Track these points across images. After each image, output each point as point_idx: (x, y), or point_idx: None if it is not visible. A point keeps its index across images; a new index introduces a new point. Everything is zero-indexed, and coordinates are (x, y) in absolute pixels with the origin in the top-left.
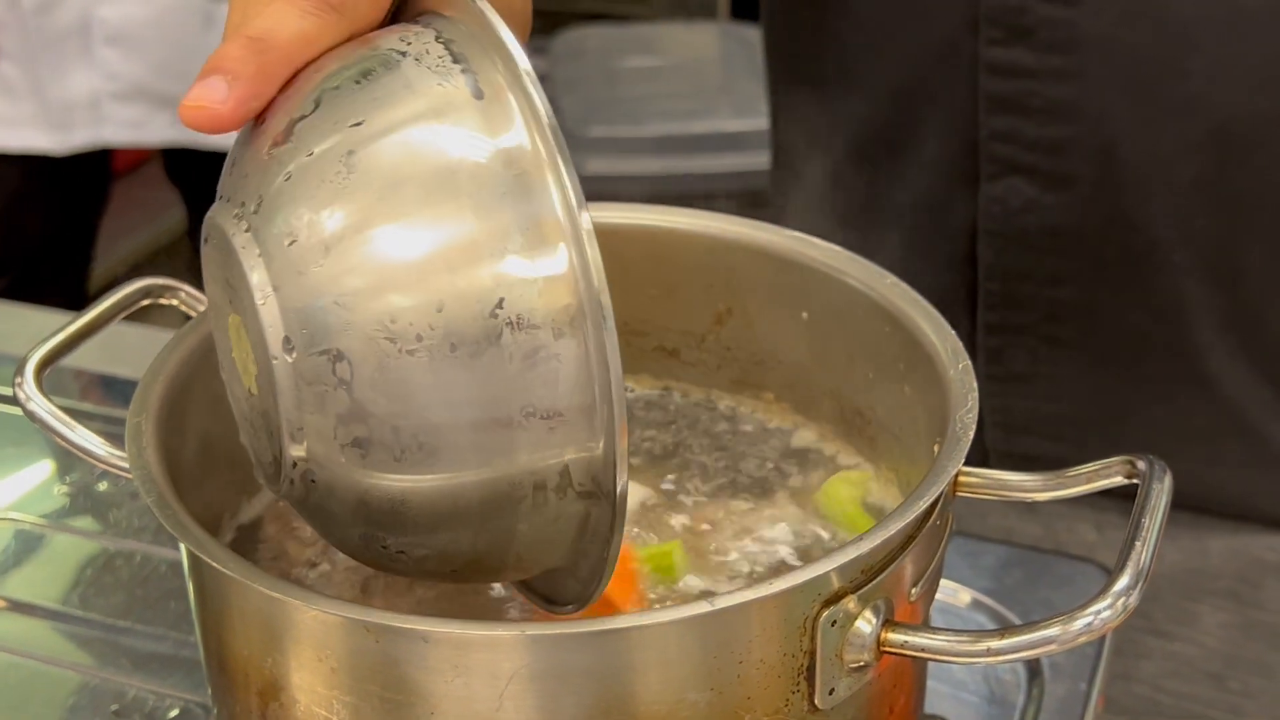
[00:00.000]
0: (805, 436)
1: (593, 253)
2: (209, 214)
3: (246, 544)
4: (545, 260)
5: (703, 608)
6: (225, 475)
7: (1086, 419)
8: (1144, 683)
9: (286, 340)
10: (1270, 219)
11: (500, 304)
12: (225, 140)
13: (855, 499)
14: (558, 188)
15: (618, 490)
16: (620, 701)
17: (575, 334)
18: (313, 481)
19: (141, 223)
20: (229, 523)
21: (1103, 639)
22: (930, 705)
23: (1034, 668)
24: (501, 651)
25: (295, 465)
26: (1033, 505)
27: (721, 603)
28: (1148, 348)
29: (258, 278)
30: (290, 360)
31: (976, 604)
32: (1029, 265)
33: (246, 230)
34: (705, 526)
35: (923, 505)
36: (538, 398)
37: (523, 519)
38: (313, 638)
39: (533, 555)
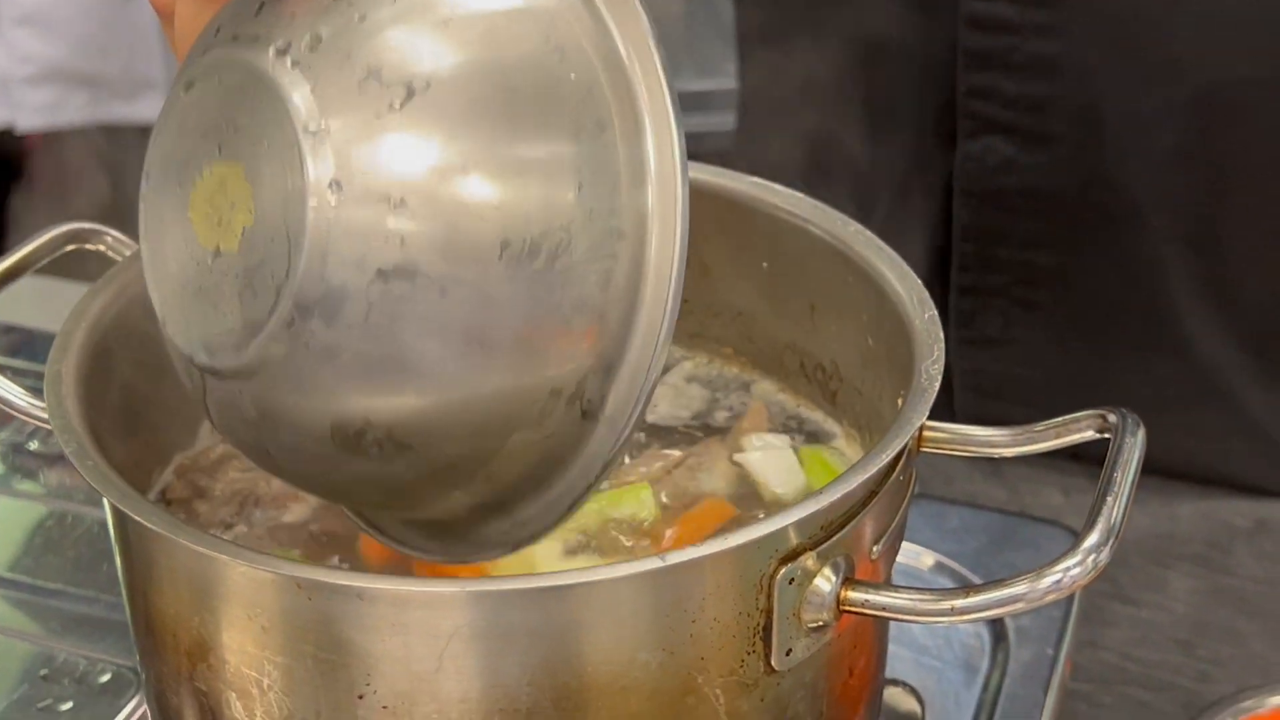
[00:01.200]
0: (765, 389)
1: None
2: (203, 58)
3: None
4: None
5: (654, 563)
6: (151, 431)
7: (1059, 384)
8: (1111, 650)
9: (335, 182)
10: (1251, 185)
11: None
12: (150, 114)
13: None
14: (652, 98)
15: (634, 410)
16: (567, 662)
17: (638, 236)
18: (306, 344)
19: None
20: (157, 479)
21: (1070, 603)
22: (892, 670)
23: (999, 631)
24: (441, 609)
25: (292, 323)
26: (998, 468)
27: (674, 558)
28: (1124, 312)
29: (306, 108)
30: (332, 203)
31: (940, 567)
32: (1005, 227)
33: (293, 66)
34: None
35: (885, 458)
36: (587, 295)
37: (524, 426)
38: (242, 595)
39: (505, 471)
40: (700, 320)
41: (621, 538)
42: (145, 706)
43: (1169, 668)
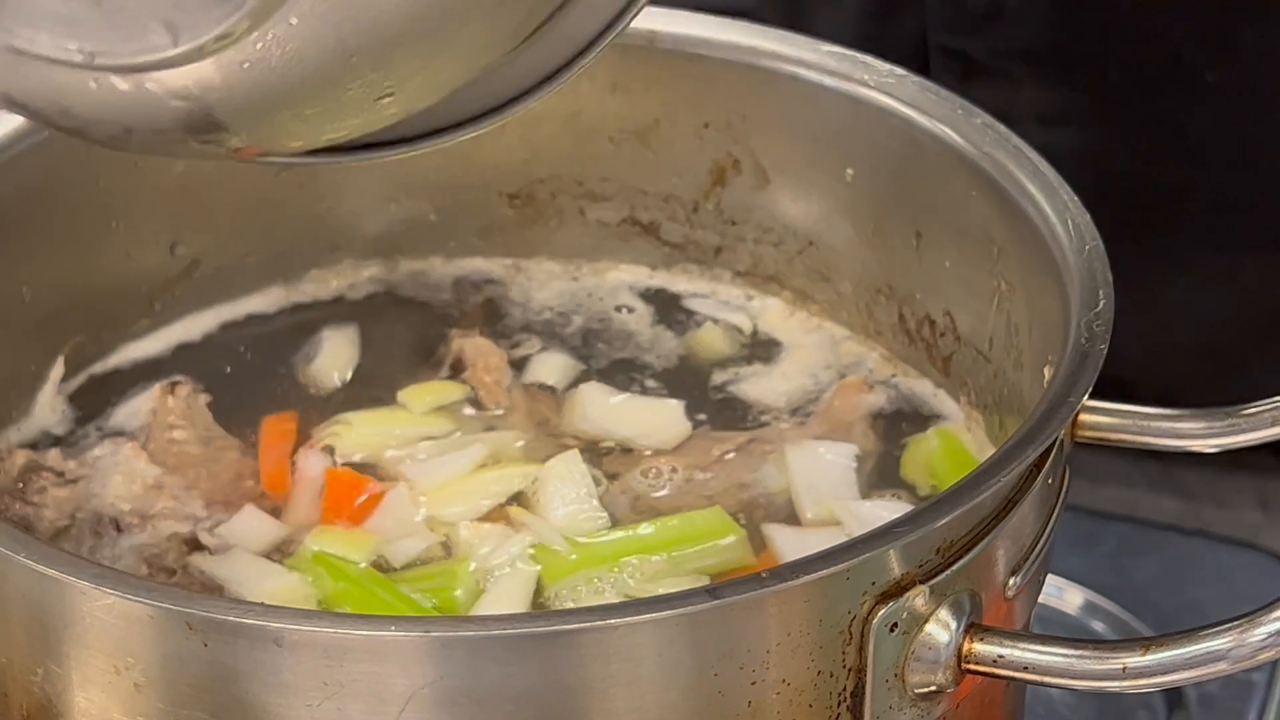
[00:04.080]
0: (850, 351)
1: None
2: None
3: None
4: None
5: (699, 600)
6: None
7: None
8: None
9: None
10: None
11: None
12: None
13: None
14: None
15: None
16: None
17: None
18: None
19: None
20: None
21: (1274, 665)
22: None
23: (1176, 700)
24: (395, 661)
25: None
26: (1168, 466)
27: (727, 594)
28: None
29: None
30: None
31: (1091, 609)
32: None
33: None
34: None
35: (1030, 455)
36: None
37: None
38: (107, 638)
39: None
40: (753, 251)
41: None
42: None
43: None
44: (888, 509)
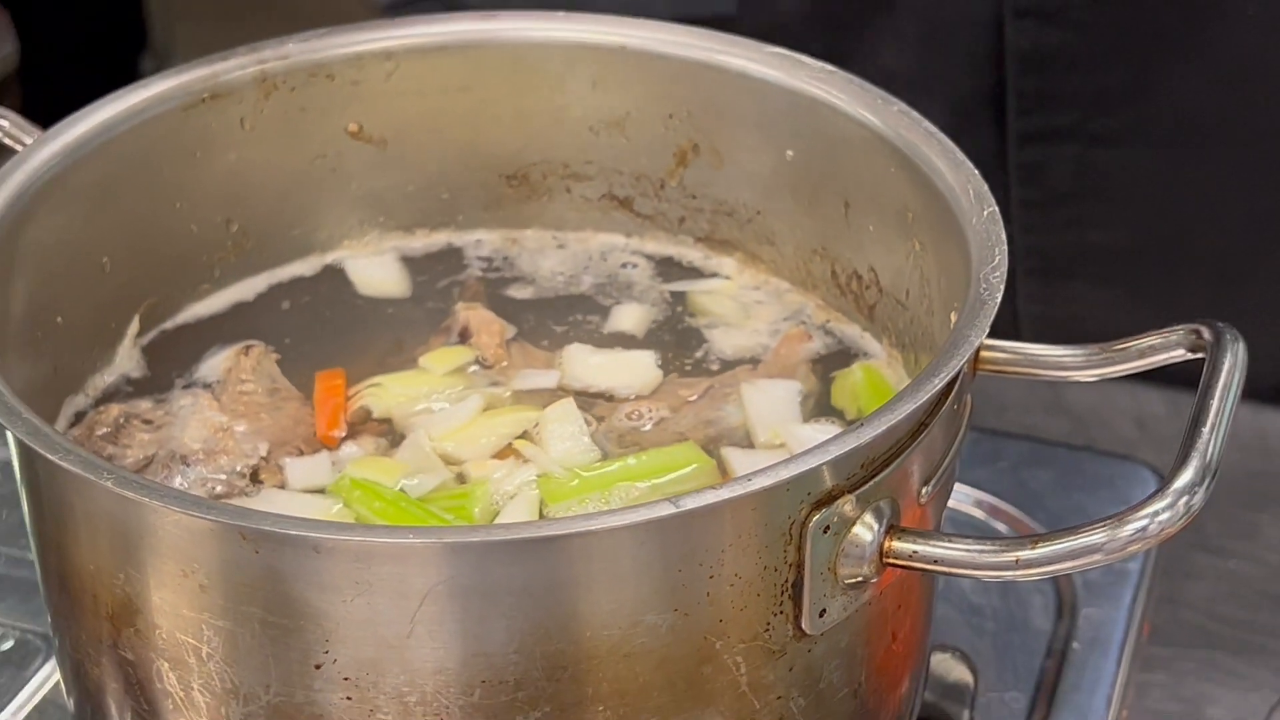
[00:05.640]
0: (792, 301)
1: None
2: None
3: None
4: None
5: (664, 509)
6: (61, 352)
7: (1143, 248)
8: (1194, 608)
9: None
10: None
11: None
12: None
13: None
14: None
15: None
16: (561, 625)
17: None
18: None
19: None
20: (68, 406)
21: (1146, 554)
22: (939, 634)
23: (1064, 587)
24: (413, 564)
25: None
26: (1059, 394)
27: (687, 503)
28: (1219, 128)
29: None
30: None
31: (994, 511)
32: (1072, 46)
33: None
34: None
35: (937, 384)
36: None
37: None
38: (175, 548)
39: None
40: (711, 220)
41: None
42: (57, 677)
43: (1262, 629)
44: (822, 431)
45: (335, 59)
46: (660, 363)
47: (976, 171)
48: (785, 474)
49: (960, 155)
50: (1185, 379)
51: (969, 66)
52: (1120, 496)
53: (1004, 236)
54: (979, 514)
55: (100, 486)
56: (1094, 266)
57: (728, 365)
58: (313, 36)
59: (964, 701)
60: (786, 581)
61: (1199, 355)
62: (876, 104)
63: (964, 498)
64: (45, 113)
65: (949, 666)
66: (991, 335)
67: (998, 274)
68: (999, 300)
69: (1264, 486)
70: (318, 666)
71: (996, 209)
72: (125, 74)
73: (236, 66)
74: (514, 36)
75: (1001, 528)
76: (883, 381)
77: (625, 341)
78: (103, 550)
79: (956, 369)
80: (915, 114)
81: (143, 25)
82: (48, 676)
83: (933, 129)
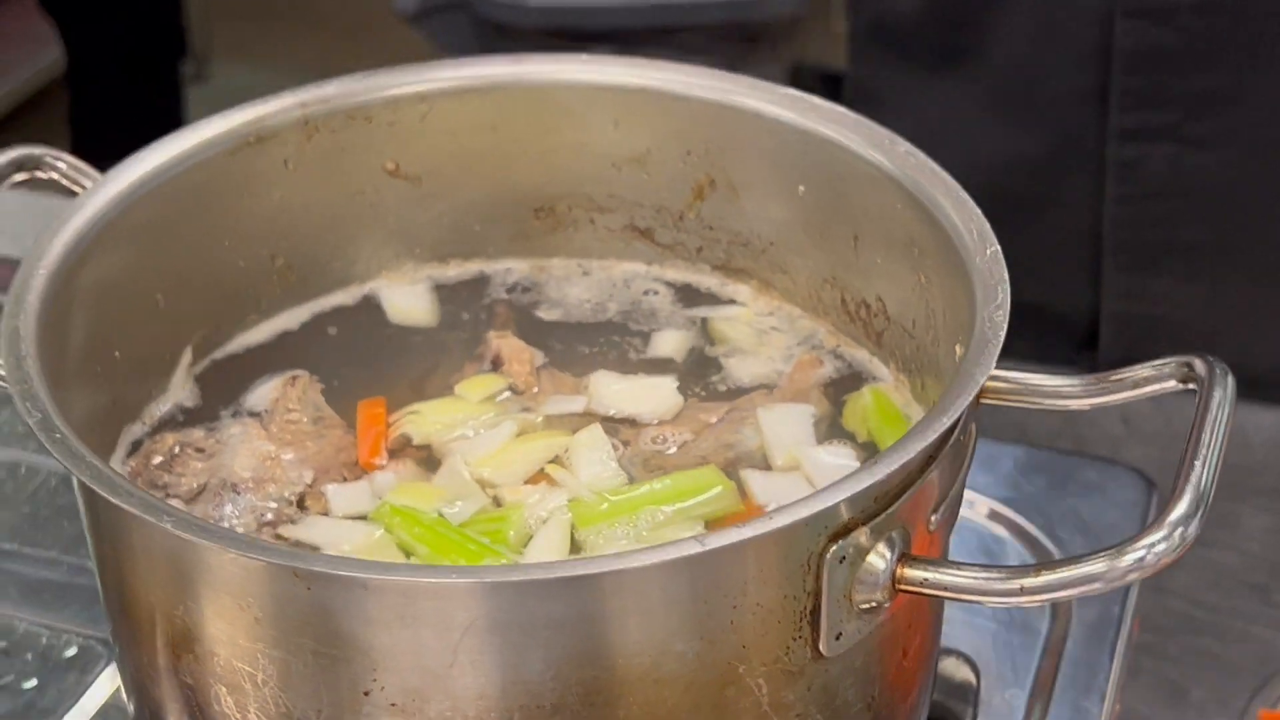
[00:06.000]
0: (804, 326)
1: None
2: None
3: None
4: None
5: (691, 547)
6: (118, 381)
7: (1230, 249)
8: (1179, 596)
9: None
10: None
11: None
12: None
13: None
14: None
15: None
16: (595, 654)
17: None
18: None
19: (7, 64)
20: (126, 434)
21: None
22: (942, 636)
23: None
24: (455, 600)
25: None
26: None
27: (713, 542)
28: None
29: None
30: None
31: (994, 516)
32: (1178, 48)
33: None
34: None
35: (946, 423)
36: None
37: None
38: (231, 584)
39: None
40: (728, 250)
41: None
42: (117, 681)
43: (1243, 615)
44: (834, 453)
45: (373, 102)
46: (680, 388)
47: (979, 211)
48: (805, 511)
49: (964, 195)
50: None
51: (1076, 63)
52: (1110, 499)
53: (1005, 277)
54: (979, 519)
55: (159, 529)
56: (1181, 264)
57: (744, 391)
58: (351, 80)
59: (968, 700)
60: (805, 609)
61: (1190, 387)
62: (885, 144)
63: (966, 503)
64: (91, 119)
65: (953, 669)
66: (1070, 329)
67: (1001, 312)
68: (1003, 337)
69: (1243, 479)
70: (366, 693)
71: (999, 249)
72: (167, 80)
73: (280, 110)
74: (539, 79)
75: (1001, 531)
76: (891, 405)
77: (664, 366)
78: (162, 583)
79: (963, 407)
80: (922, 154)
81: (182, 32)
82: (110, 682)
83: (939, 169)
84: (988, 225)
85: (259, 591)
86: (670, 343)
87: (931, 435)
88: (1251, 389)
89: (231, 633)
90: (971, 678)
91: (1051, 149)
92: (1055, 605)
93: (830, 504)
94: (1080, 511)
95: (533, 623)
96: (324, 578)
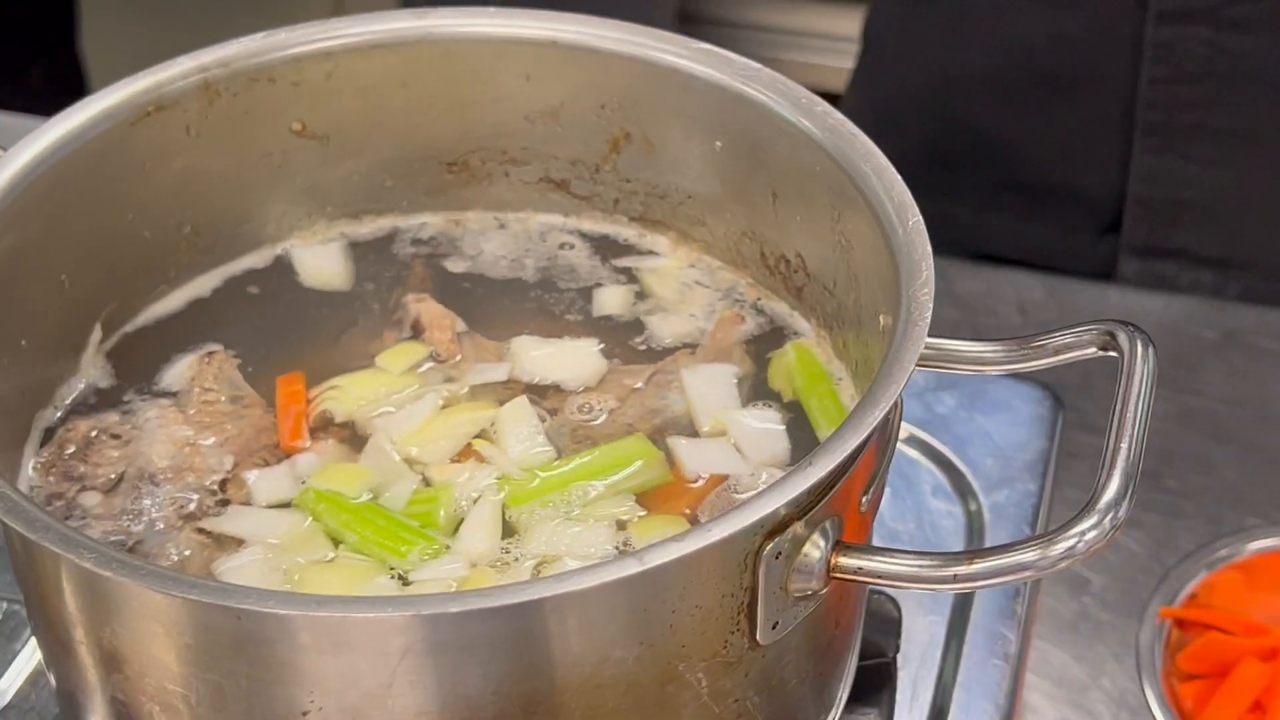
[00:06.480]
0: (724, 278)
1: None
2: None
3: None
4: None
5: (631, 567)
6: (27, 368)
7: (1262, 134)
8: (1077, 485)
9: None
10: None
11: None
12: None
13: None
14: None
15: None
16: (535, 668)
17: None
18: None
19: None
20: (38, 422)
21: (1045, 472)
22: None
23: (972, 512)
24: (391, 629)
25: None
26: (949, 287)
27: (652, 559)
28: None
29: None
30: None
31: (911, 440)
32: None
33: None
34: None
35: (879, 414)
36: None
37: None
38: (159, 614)
39: None
40: (645, 202)
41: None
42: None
43: (1137, 503)
44: (760, 417)
45: (276, 62)
46: (604, 350)
47: (901, 180)
48: (745, 520)
49: (883, 160)
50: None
51: None
52: (1017, 417)
53: (929, 252)
54: (900, 442)
55: (81, 568)
56: (1210, 150)
57: (668, 351)
58: (252, 40)
59: (892, 631)
60: (742, 604)
61: (1111, 354)
62: (802, 102)
63: None
64: None
65: (877, 604)
66: (1095, 213)
67: (926, 290)
68: (928, 319)
69: None
70: (304, 714)
71: (921, 220)
72: (62, 48)
73: (179, 76)
74: (446, 33)
75: (916, 455)
76: (815, 363)
77: (585, 326)
78: (87, 609)
79: (895, 396)
80: (839, 114)
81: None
82: (36, 649)
83: (858, 132)
84: (909, 194)
85: (187, 622)
86: (613, 300)
87: (865, 430)
88: (1272, 280)
89: (161, 658)
90: (893, 610)
91: (1091, 28)
92: (970, 527)
93: (769, 510)
94: (989, 432)
95: (471, 643)
96: (254, 615)
